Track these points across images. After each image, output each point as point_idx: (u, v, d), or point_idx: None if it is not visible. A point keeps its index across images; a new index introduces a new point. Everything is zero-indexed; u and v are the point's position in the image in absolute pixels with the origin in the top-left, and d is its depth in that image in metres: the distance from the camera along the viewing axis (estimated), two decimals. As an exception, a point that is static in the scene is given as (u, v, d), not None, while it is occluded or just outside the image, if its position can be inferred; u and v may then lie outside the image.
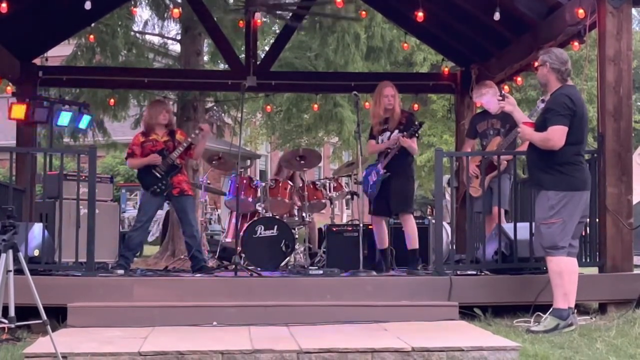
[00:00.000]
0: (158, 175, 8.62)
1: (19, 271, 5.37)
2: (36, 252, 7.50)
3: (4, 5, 9.19)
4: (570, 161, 6.68)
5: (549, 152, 6.64)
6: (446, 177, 10.70)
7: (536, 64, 6.97)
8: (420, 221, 9.64)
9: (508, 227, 7.98)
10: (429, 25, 11.29)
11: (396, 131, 8.52)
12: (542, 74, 6.84)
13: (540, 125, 6.76)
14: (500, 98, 7.11)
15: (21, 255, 5.35)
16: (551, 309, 6.66)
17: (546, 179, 6.72)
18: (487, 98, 8.88)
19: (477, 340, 5.81)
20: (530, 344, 5.98)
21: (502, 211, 8.47)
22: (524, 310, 7.30)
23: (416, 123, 8.44)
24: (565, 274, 6.65)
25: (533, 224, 7.14)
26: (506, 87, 11.24)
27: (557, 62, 6.75)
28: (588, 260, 8.14)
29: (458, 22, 11.16)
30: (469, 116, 12.23)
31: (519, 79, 11.64)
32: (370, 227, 9.04)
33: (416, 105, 13.56)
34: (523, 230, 7.76)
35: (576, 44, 9.11)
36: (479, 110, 9.92)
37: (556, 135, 6.58)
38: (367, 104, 12.35)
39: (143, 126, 9.05)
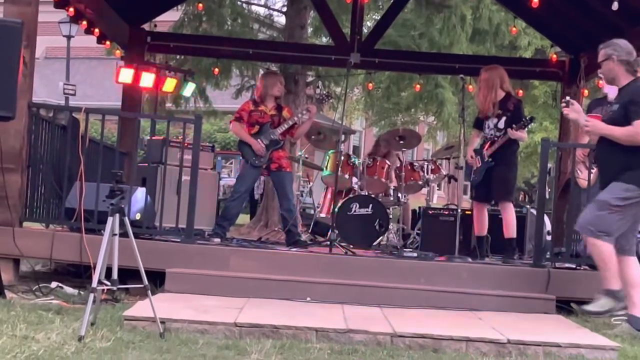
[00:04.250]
0: (259, 142, 8.68)
1: (122, 234, 5.47)
2: (138, 216, 7.65)
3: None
4: None
5: (634, 148, 6.24)
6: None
7: (599, 59, 6.52)
8: (518, 210, 9.48)
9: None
10: (540, 10, 11.02)
11: (504, 119, 8.35)
12: (609, 69, 6.42)
13: (619, 120, 6.34)
14: (564, 104, 6.65)
15: (127, 220, 5.45)
16: (605, 290, 6.28)
17: (631, 175, 6.26)
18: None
19: (574, 336, 5.70)
20: (630, 344, 5.83)
21: None
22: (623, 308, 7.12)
23: (527, 118, 8.26)
24: (613, 257, 6.28)
25: (600, 203, 6.42)
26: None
27: (624, 52, 6.35)
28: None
29: (571, 8, 10.88)
30: (575, 106, 11.97)
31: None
32: (467, 212, 8.94)
33: (520, 91, 13.32)
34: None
35: (694, 37, 8.76)
36: (600, 96, 9.56)
37: None
38: (470, 87, 12.18)
39: (256, 95, 9.11)
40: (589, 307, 6.34)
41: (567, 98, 6.73)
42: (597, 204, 6.40)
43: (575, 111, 6.53)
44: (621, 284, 6.29)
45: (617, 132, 6.37)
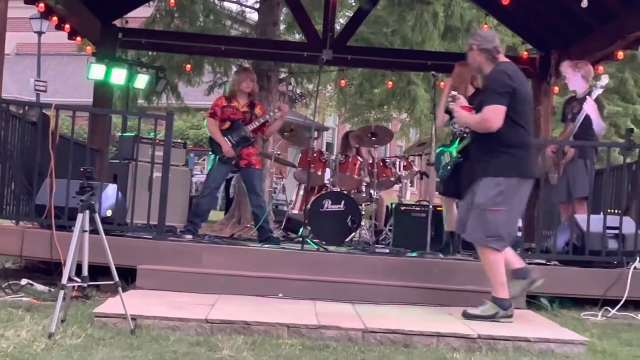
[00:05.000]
0: (229, 144, 8.67)
1: (92, 231, 5.45)
2: (109, 213, 7.61)
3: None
4: (521, 143, 6.23)
5: (496, 135, 6.14)
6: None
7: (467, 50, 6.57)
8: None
9: (581, 218, 7.85)
10: (511, 8, 11.11)
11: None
12: (473, 59, 6.45)
13: (478, 109, 6.35)
14: (451, 99, 6.70)
15: (97, 216, 5.42)
16: (492, 297, 6.19)
17: (495, 163, 6.21)
18: (569, 78, 8.61)
19: (544, 331, 5.75)
20: (598, 339, 5.90)
21: (582, 199, 8.28)
22: (591, 304, 7.21)
23: None
24: (501, 264, 6.22)
25: (480, 209, 6.25)
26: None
27: (484, 41, 6.36)
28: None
29: (541, 5, 10.96)
30: (545, 102, 12.07)
31: (600, 67, 11.38)
32: (438, 208, 8.97)
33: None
34: (596, 222, 7.64)
35: (664, 36, 8.88)
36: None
37: (491, 114, 6.14)
38: (442, 84, 12.20)
39: (228, 91, 9.11)
40: (471, 311, 6.21)
41: (453, 93, 6.81)
42: (476, 210, 6.30)
43: (457, 105, 6.63)
44: (508, 294, 6.19)
45: (470, 119, 6.46)
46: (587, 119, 8.20)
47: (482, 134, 6.31)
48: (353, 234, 9.74)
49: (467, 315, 6.16)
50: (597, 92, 8.20)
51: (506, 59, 6.47)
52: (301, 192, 10.64)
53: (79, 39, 12.08)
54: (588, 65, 8.62)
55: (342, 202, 9.48)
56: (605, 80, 8.32)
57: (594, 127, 8.22)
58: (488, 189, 6.22)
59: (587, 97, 8.24)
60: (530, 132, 6.43)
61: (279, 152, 11.69)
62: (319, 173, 10.11)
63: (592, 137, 8.34)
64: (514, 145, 6.20)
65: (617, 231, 7.66)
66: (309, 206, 9.35)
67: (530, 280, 6.30)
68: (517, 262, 6.34)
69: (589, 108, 8.16)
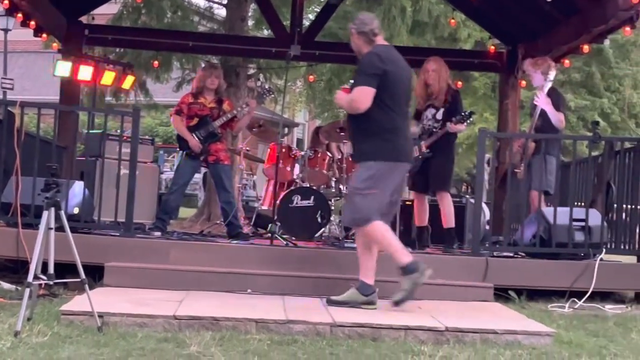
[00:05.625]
0: (197, 139, 8.65)
1: (59, 229, 5.41)
2: (76, 210, 7.57)
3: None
4: (392, 128, 6.24)
5: (367, 118, 6.19)
6: (486, 157, 10.63)
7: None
8: (458, 200, 9.57)
9: (548, 211, 7.91)
10: (478, 3, 11.18)
11: (441, 110, 8.41)
12: (354, 44, 6.46)
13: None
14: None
15: (63, 213, 5.38)
16: (401, 267, 6.16)
17: (367, 147, 6.27)
18: (532, 75, 8.68)
19: (511, 323, 5.79)
20: (565, 330, 5.95)
21: (538, 193, 8.36)
22: (559, 295, 7.27)
23: (466, 112, 8.30)
24: (389, 230, 6.24)
25: (352, 193, 6.36)
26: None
27: (362, 24, 6.38)
28: (626, 248, 8.08)
29: (508, 0, 11.02)
30: (513, 96, 12.15)
31: (566, 61, 11.48)
32: (407, 202, 8.99)
33: (460, 83, 13.43)
34: (563, 215, 7.71)
35: (628, 29, 8.97)
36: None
37: (359, 95, 6.16)
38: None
39: (193, 88, 9.08)
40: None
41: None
42: (350, 194, 6.38)
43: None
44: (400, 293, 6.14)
45: (342, 101, 6.51)
46: (547, 113, 8.29)
47: (356, 119, 6.32)
48: (323, 229, 9.74)
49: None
50: (547, 85, 8.30)
51: (384, 42, 6.48)
52: (270, 188, 10.63)
53: (44, 35, 11.96)
54: (547, 61, 8.69)
55: (312, 197, 9.48)
56: (552, 74, 8.39)
57: (551, 120, 8.29)
58: (359, 172, 6.32)
59: (539, 91, 8.34)
60: (404, 115, 6.44)
61: (248, 148, 11.68)
62: (288, 169, 10.10)
63: (556, 131, 8.40)
64: (384, 130, 6.22)
65: (583, 223, 7.73)
66: (278, 202, 9.34)
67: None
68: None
69: (541, 102, 8.27)
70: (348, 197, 6.41)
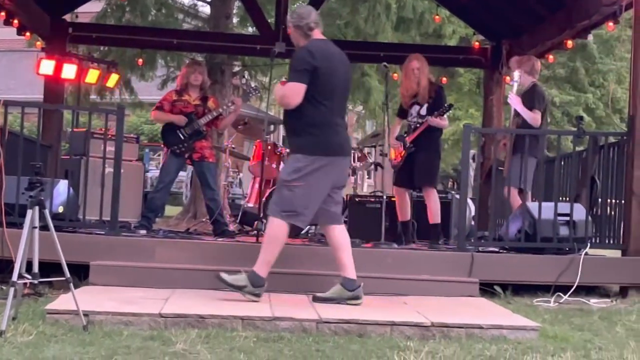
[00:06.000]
0: (181, 136, 8.64)
1: (43, 228, 5.39)
2: (61, 209, 7.54)
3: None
4: (324, 122, 6.23)
5: (300, 114, 6.18)
6: (471, 152, 10.66)
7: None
8: (443, 195, 9.59)
9: (533, 206, 7.93)
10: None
11: (425, 105, 8.43)
12: (293, 38, 6.48)
13: None
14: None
15: (47, 212, 5.37)
16: (251, 271, 6.18)
17: (298, 142, 6.29)
18: (516, 74, 8.72)
19: (496, 318, 5.81)
20: (550, 324, 5.97)
21: (514, 190, 8.41)
22: (544, 290, 7.29)
23: (446, 105, 8.34)
24: (280, 245, 6.26)
25: (280, 185, 6.39)
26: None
27: (298, 18, 6.38)
28: (611, 242, 8.11)
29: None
30: (497, 92, 12.18)
31: (550, 56, 11.52)
32: (393, 199, 9.00)
33: (444, 79, 13.47)
34: (548, 210, 7.73)
35: (611, 24, 9.02)
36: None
37: (289, 92, 6.18)
38: (395, 75, 12.27)
39: (177, 85, 9.06)
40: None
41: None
42: (278, 186, 6.42)
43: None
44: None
45: (277, 95, 6.50)
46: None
47: (289, 114, 6.32)
48: (309, 226, 9.73)
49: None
50: (514, 86, 8.40)
51: (320, 37, 6.44)
52: (256, 186, 10.61)
53: (28, 34, 11.92)
54: (531, 59, 8.73)
55: (297, 194, 9.45)
56: (517, 75, 8.47)
57: (526, 119, 8.33)
58: (288, 165, 6.38)
59: (510, 92, 8.44)
60: (338, 110, 6.39)
61: (234, 146, 11.66)
62: (274, 166, 10.09)
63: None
64: (315, 124, 6.21)
65: (568, 218, 7.76)
66: (264, 199, 9.33)
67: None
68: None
69: (512, 101, 8.33)
70: (277, 188, 6.44)
